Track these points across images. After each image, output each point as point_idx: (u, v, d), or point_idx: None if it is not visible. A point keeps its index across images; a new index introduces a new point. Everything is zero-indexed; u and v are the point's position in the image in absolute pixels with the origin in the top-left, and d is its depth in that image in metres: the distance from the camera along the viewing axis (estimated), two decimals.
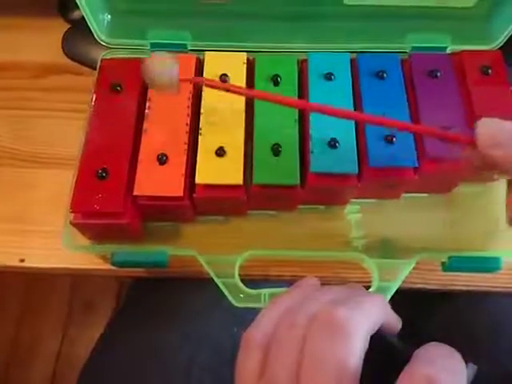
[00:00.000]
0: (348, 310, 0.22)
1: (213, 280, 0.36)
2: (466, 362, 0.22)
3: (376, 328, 0.23)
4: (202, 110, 0.40)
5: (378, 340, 0.23)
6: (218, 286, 0.36)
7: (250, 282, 0.37)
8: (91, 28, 0.42)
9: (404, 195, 0.42)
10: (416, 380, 0.20)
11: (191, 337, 0.43)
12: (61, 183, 0.43)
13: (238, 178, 0.37)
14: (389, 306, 0.25)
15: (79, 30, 0.50)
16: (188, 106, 0.40)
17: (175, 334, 0.44)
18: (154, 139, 0.38)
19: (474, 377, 0.22)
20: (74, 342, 0.98)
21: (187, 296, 0.45)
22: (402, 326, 0.25)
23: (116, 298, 1.00)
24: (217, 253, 0.38)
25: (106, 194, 0.36)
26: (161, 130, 0.39)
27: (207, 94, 0.40)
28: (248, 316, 0.27)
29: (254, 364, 0.24)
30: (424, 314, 0.47)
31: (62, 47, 0.51)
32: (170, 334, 0.44)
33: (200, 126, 0.39)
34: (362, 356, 0.22)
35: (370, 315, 0.23)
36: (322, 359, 0.21)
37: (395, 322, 0.25)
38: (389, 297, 0.35)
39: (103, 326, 0.49)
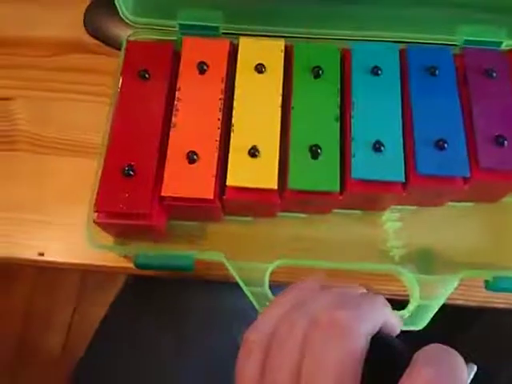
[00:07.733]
0: (348, 311, 0.22)
1: (238, 285, 0.34)
2: (467, 363, 0.21)
3: (376, 329, 0.23)
4: (234, 104, 0.37)
5: (379, 341, 0.23)
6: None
7: (275, 287, 0.35)
8: (116, 4, 0.39)
9: (448, 203, 0.39)
10: (417, 382, 0.20)
11: (190, 337, 0.42)
12: (81, 172, 0.41)
13: (271, 182, 0.34)
14: (389, 307, 0.25)
15: (103, 4, 0.46)
16: (220, 99, 0.37)
17: (175, 334, 0.42)
18: (183, 135, 0.35)
19: (474, 376, 0.22)
20: (84, 315, 0.98)
21: (187, 296, 0.43)
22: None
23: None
24: (243, 255, 0.36)
25: (132, 193, 0.33)
26: (191, 124, 0.36)
27: (240, 84, 0.37)
28: (248, 317, 0.27)
29: (254, 365, 0.24)
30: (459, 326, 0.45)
31: (84, 23, 0.47)
32: (169, 334, 0.42)
33: (232, 121, 0.36)
34: (363, 357, 0.22)
35: (371, 316, 0.23)
36: (323, 360, 0.22)
37: (396, 323, 0.25)
38: (430, 317, 0.33)
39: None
